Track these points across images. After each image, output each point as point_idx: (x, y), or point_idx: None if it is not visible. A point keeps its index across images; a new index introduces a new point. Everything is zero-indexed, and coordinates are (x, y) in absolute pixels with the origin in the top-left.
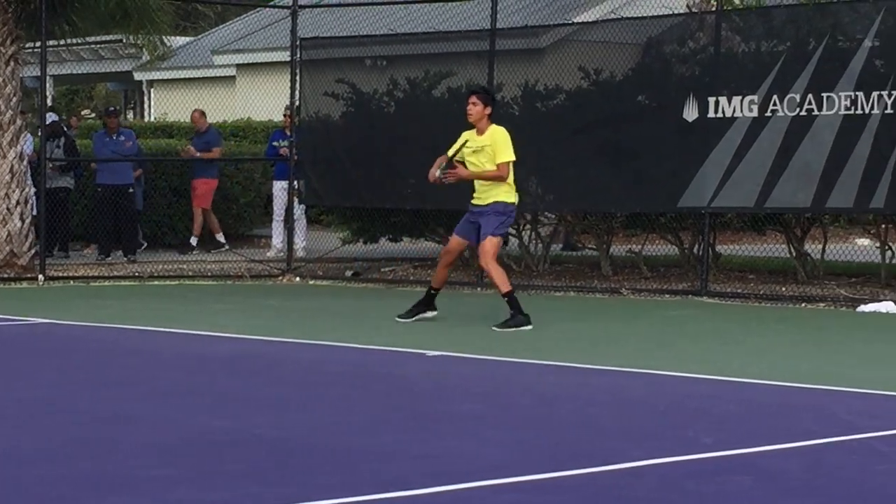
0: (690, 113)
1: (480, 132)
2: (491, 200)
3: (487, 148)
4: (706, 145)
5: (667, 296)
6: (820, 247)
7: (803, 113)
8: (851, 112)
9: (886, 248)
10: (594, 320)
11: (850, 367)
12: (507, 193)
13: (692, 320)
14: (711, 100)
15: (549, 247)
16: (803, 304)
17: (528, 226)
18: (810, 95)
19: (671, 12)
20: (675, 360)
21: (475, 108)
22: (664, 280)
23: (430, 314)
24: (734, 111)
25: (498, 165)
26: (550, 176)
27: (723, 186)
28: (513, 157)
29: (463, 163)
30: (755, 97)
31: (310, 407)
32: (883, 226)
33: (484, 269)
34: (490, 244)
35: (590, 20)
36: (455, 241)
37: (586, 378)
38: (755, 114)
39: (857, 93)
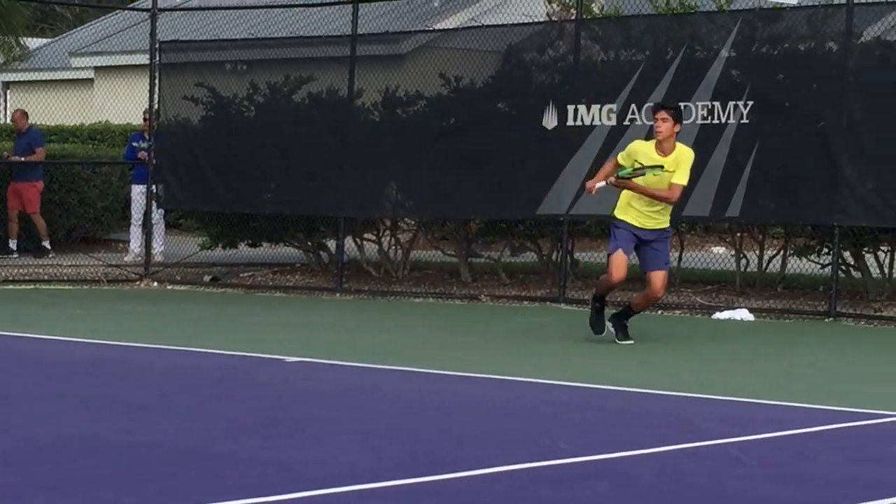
0: (550, 121)
1: (665, 151)
2: (664, 226)
3: (669, 169)
4: (565, 153)
5: (526, 302)
6: (676, 254)
7: None
8: (708, 122)
9: (741, 256)
10: (453, 327)
11: (706, 375)
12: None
13: (551, 327)
14: (571, 108)
15: (409, 253)
16: (660, 312)
17: (387, 232)
18: None
19: (531, 20)
20: (533, 366)
21: (665, 125)
22: (523, 287)
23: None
24: (593, 119)
25: (672, 186)
26: (410, 182)
27: (581, 194)
28: (686, 182)
29: (629, 178)
30: (614, 106)
31: (168, 412)
32: (738, 234)
33: (654, 301)
34: (665, 277)
35: (450, 27)
36: (623, 260)
37: (445, 385)
38: (614, 122)
39: (713, 102)
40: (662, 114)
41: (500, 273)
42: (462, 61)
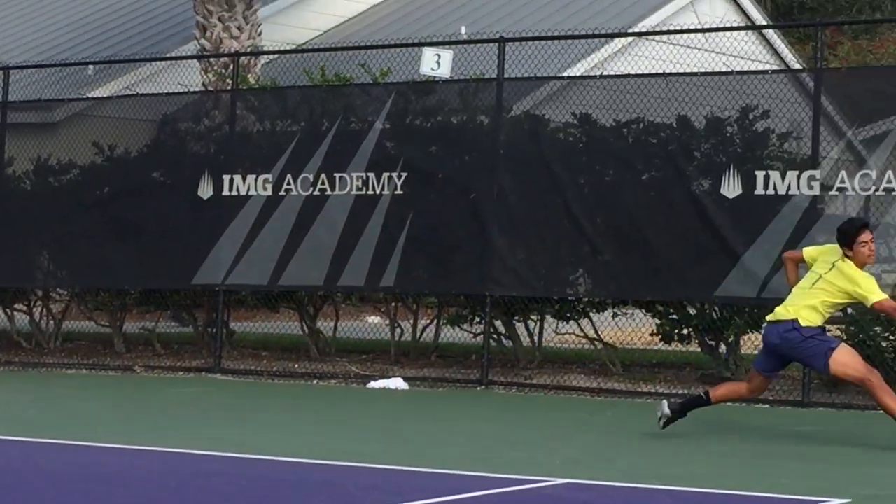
0: (205, 190)
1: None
2: None
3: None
4: (221, 223)
5: (181, 373)
6: (332, 324)
7: (316, 192)
8: (363, 192)
9: (396, 325)
10: (106, 398)
11: (360, 443)
12: None
13: (206, 397)
14: (226, 177)
15: (61, 323)
16: (315, 381)
17: (39, 302)
18: (323, 175)
19: (187, 90)
20: (187, 437)
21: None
22: (178, 357)
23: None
24: (249, 189)
25: None
26: (63, 251)
27: (237, 264)
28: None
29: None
30: (269, 176)
31: None
32: (393, 304)
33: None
34: None
35: (105, 95)
36: None
37: (98, 457)
38: (269, 192)
39: (368, 174)
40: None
41: (155, 343)
42: (116, 130)
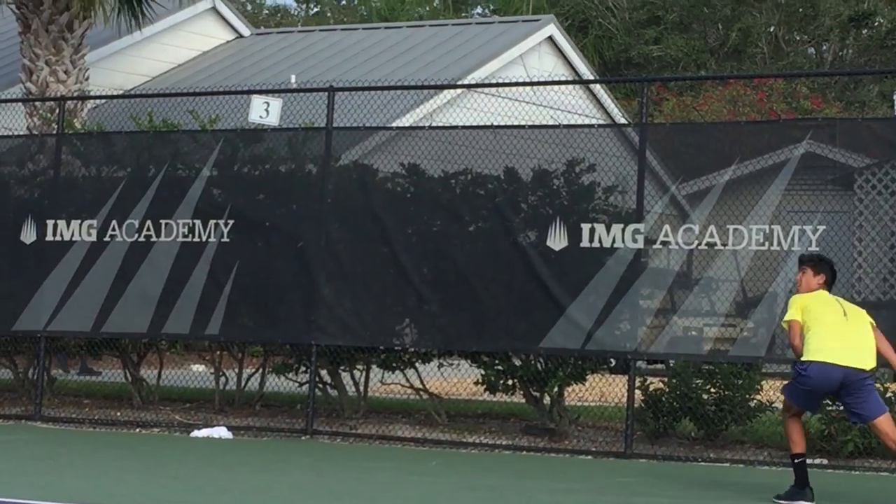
0: (28, 235)
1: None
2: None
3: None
4: (44, 268)
5: (0, 420)
6: (156, 372)
7: (142, 239)
8: (189, 239)
9: (221, 373)
10: None
11: (179, 492)
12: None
13: (25, 445)
14: (50, 222)
15: None
16: (138, 430)
17: None
18: (149, 221)
19: (11, 133)
20: (5, 485)
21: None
22: None
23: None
24: (73, 235)
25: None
26: None
27: (60, 310)
28: (791, 319)
29: None
30: (94, 221)
31: None
32: (218, 352)
33: None
34: None
35: None
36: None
37: None
38: (94, 238)
39: (195, 220)
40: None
41: None
42: None
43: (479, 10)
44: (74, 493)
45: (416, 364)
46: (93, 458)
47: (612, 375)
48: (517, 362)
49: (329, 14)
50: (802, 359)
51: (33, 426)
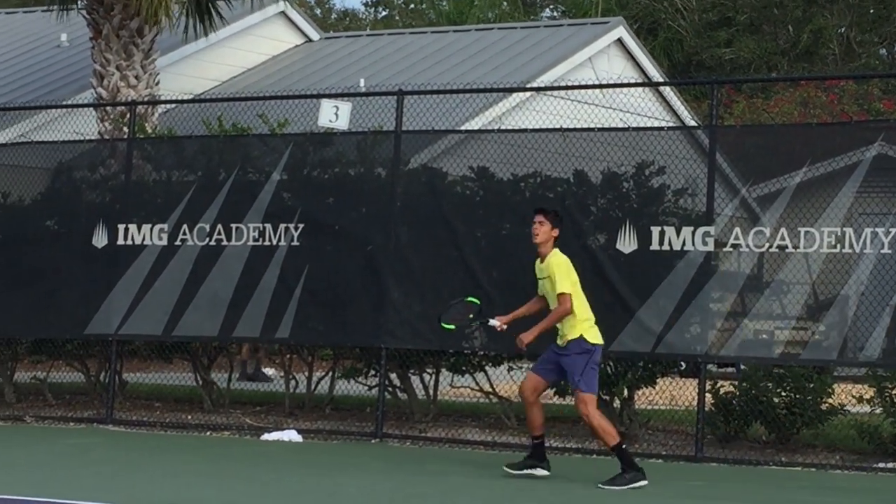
0: (100, 239)
1: (542, 257)
2: (570, 338)
3: (548, 279)
4: (115, 272)
5: (72, 423)
6: (226, 375)
7: (212, 243)
8: (259, 243)
9: (291, 377)
10: None
11: (249, 495)
12: (587, 329)
13: (97, 448)
14: (121, 227)
15: None
16: (208, 433)
17: None
18: (220, 226)
19: (83, 138)
20: (77, 488)
21: (541, 229)
22: (70, 407)
23: (540, 472)
24: (144, 239)
25: (558, 298)
26: None
27: (131, 314)
28: (569, 289)
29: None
30: (165, 226)
31: None
32: (288, 356)
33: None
34: (587, 397)
35: None
36: (531, 379)
37: None
38: (165, 242)
39: (265, 224)
40: (539, 217)
41: (47, 393)
42: (10, 177)
43: (547, 12)
44: (145, 496)
45: (486, 367)
46: (163, 461)
47: (683, 379)
48: None
49: (397, 17)
50: None
51: (104, 429)
